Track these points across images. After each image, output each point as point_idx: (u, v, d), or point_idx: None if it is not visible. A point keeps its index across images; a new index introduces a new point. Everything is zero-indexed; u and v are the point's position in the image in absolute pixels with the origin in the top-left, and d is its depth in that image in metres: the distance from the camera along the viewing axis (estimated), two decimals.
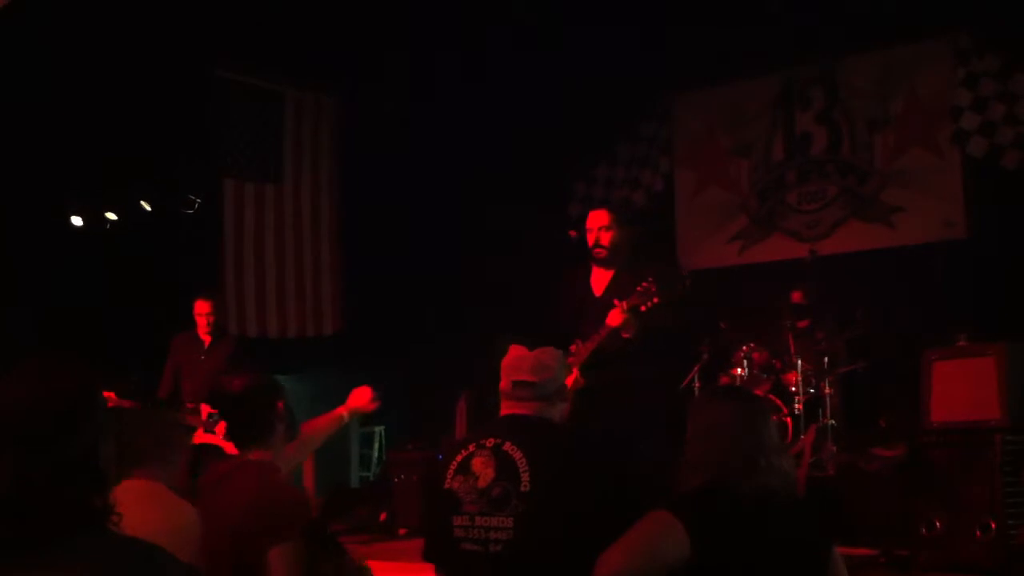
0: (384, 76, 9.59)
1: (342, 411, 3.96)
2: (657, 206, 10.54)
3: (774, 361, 8.39)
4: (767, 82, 10.01)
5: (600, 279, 5.60)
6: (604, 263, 5.58)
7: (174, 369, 7.40)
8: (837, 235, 9.52)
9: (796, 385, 8.05)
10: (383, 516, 8.22)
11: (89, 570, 1.65)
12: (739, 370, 8.42)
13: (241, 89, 9.55)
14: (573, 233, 5.70)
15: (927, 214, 9.06)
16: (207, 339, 7.45)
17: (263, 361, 8.85)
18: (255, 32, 8.63)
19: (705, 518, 2.55)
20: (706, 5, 8.87)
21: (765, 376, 8.35)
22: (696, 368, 8.67)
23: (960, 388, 6.19)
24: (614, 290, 5.43)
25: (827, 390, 8.00)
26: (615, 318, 5.24)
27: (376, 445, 10.93)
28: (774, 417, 7.62)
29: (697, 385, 8.66)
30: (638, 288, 5.24)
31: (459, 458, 3.18)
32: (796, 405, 8.01)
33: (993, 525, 5.57)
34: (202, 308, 7.43)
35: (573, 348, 5.28)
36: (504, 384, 3.31)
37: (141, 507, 3.18)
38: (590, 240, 5.57)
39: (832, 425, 7.89)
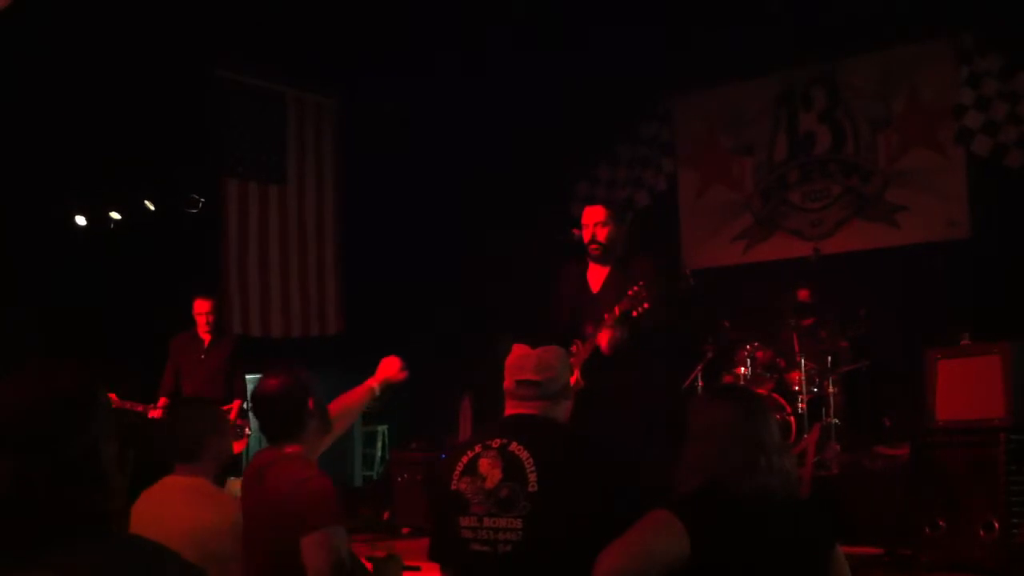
0: (385, 76, 9.59)
1: (372, 383, 4.00)
2: (660, 206, 10.54)
3: (777, 360, 8.40)
4: (769, 82, 10.02)
5: (596, 276, 5.58)
6: (600, 259, 5.56)
7: (174, 369, 7.39)
8: (840, 234, 9.53)
9: (799, 384, 8.05)
10: (386, 515, 8.23)
11: (89, 571, 1.65)
12: (742, 369, 8.43)
13: (243, 90, 9.57)
14: (576, 232, 5.68)
15: (930, 213, 9.07)
16: (207, 338, 7.44)
17: (265, 361, 8.87)
18: (257, 33, 8.64)
19: (705, 518, 2.55)
20: (707, 5, 8.86)
21: (768, 375, 8.35)
22: (699, 367, 8.67)
23: (964, 387, 6.18)
24: (610, 287, 5.41)
25: (830, 389, 8.00)
26: (603, 337, 5.23)
27: (379, 444, 10.95)
28: (777, 416, 7.65)
29: (700, 384, 8.65)
30: (628, 292, 5.22)
31: (465, 459, 3.17)
32: (799, 404, 8.01)
33: (996, 524, 5.57)
34: (201, 307, 7.42)
35: (574, 348, 5.26)
36: (508, 384, 3.30)
37: (190, 504, 3.24)
38: (586, 236, 5.54)
39: (835, 424, 7.88)
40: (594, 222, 5.54)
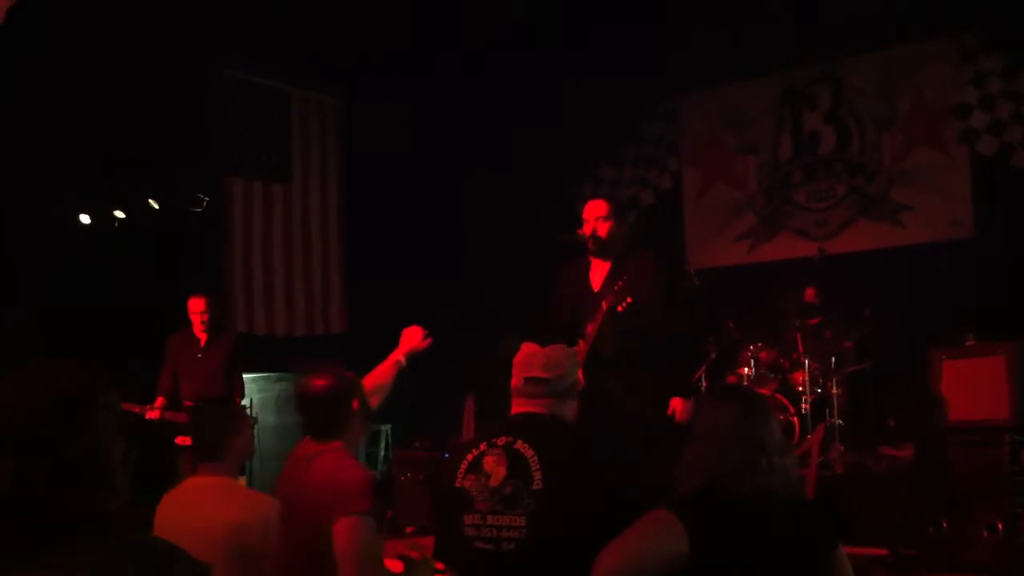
0: (385, 76, 9.59)
1: (398, 356, 4.15)
2: (665, 205, 10.54)
3: (781, 360, 8.39)
4: (773, 81, 10.03)
5: (598, 272, 5.56)
6: (601, 254, 5.53)
7: (172, 370, 7.34)
8: (845, 234, 9.54)
9: (803, 384, 8.04)
10: (389, 514, 8.23)
11: (90, 570, 1.65)
12: (746, 369, 8.42)
13: (248, 89, 9.57)
14: (581, 232, 5.65)
15: (934, 213, 9.07)
16: (203, 337, 7.39)
17: (268, 360, 8.89)
18: (261, 32, 8.64)
19: (705, 518, 2.55)
20: (711, 5, 8.86)
21: (772, 375, 8.34)
22: (703, 367, 8.67)
23: (969, 387, 6.17)
24: (610, 284, 5.39)
25: (834, 390, 8.00)
26: (586, 340, 5.24)
27: (383, 443, 10.93)
28: (780, 416, 7.64)
29: (704, 384, 8.65)
30: (615, 287, 5.22)
31: (470, 457, 3.17)
32: (803, 405, 8.01)
33: (1000, 525, 5.57)
34: (196, 306, 7.35)
35: (579, 348, 5.25)
36: (516, 381, 3.29)
37: (219, 503, 3.29)
38: (587, 230, 5.52)
39: (839, 425, 7.88)
40: (595, 216, 5.51)
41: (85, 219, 8.38)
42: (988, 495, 5.71)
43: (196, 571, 1.81)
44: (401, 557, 3.44)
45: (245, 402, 7.48)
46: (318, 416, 3.45)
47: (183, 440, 7.14)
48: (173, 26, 7.87)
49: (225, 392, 7.24)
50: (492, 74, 9.52)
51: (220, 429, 3.54)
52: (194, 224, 8.87)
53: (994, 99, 8.83)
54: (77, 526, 1.69)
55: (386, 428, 10.87)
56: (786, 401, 8.10)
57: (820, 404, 8.08)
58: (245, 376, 8.25)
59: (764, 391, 7.91)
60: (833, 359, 8.13)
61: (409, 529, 7.96)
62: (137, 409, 6.98)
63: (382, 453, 10.94)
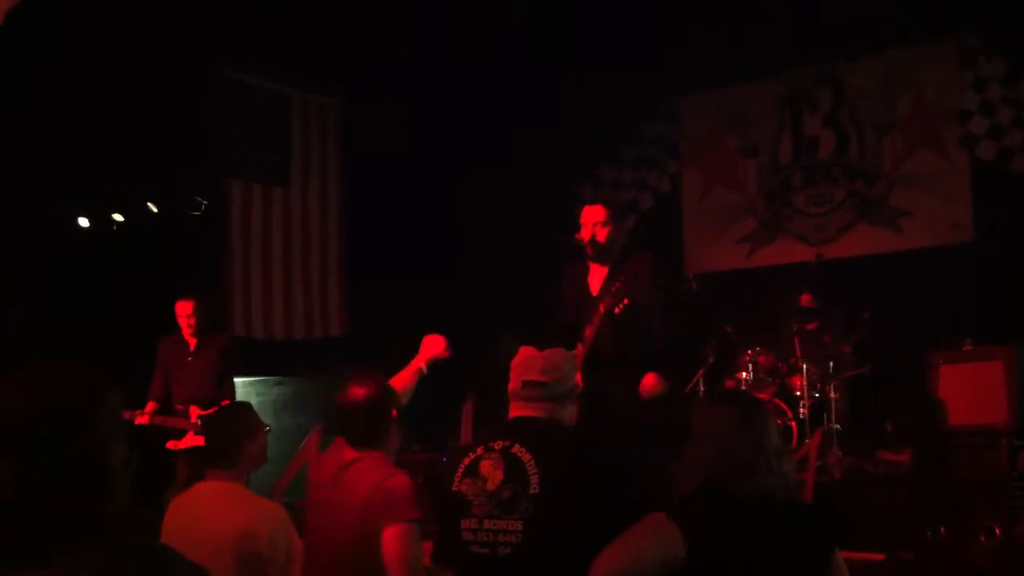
0: (388, 77, 9.59)
1: (419, 363, 4.16)
2: (664, 208, 10.54)
3: (779, 365, 8.39)
4: (773, 84, 10.02)
5: (596, 276, 5.57)
6: (599, 259, 5.55)
7: (163, 373, 7.31)
8: (844, 239, 9.53)
9: (801, 389, 8.04)
10: None
11: (90, 571, 1.65)
12: (744, 374, 8.41)
13: (248, 90, 9.56)
14: (579, 237, 5.66)
15: (934, 217, 9.07)
16: (193, 340, 7.36)
17: (267, 364, 8.88)
18: (261, 34, 8.63)
19: (701, 521, 2.55)
20: (711, 6, 8.86)
21: (770, 380, 8.34)
22: (701, 371, 8.66)
23: (967, 392, 6.19)
24: (608, 286, 5.40)
25: (832, 394, 7.99)
26: (584, 344, 5.25)
27: None
28: (779, 421, 7.64)
29: (702, 388, 8.64)
30: (611, 289, 5.23)
31: (467, 460, 3.17)
32: (801, 409, 8.00)
33: (998, 530, 5.57)
34: (183, 309, 7.30)
35: (577, 351, 5.25)
36: (514, 385, 3.29)
37: (229, 508, 3.30)
38: (586, 235, 5.53)
39: (837, 429, 7.87)
40: (593, 222, 5.53)
41: (84, 222, 8.37)
42: (986, 499, 5.72)
43: (195, 574, 1.81)
44: None
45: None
46: (358, 424, 3.49)
47: (174, 445, 7.13)
48: (172, 27, 7.87)
49: (216, 394, 7.22)
50: (492, 74, 9.52)
51: (235, 435, 3.55)
52: (193, 226, 8.86)
53: (994, 105, 8.84)
54: (77, 527, 1.69)
55: None
56: (784, 406, 8.09)
57: (818, 408, 8.07)
58: (244, 379, 8.24)
59: (762, 395, 7.90)
60: (832, 363, 8.12)
61: None
62: (127, 415, 6.95)
63: None
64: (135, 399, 7.09)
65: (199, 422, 7.10)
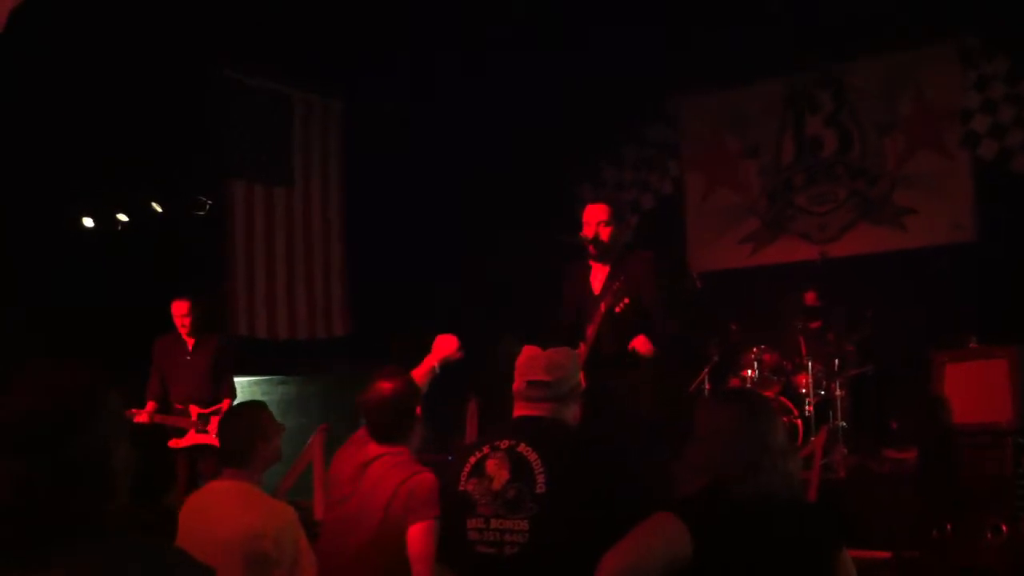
0: (388, 78, 9.58)
1: (432, 363, 4.19)
2: (666, 209, 10.54)
3: (784, 363, 8.38)
4: (775, 85, 10.02)
5: (598, 275, 5.57)
6: (602, 258, 5.55)
7: (160, 374, 7.32)
8: (847, 237, 9.53)
9: (806, 387, 8.03)
10: None
11: (91, 571, 1.65)
12: (749, 372, 8.41)
13: (249, 91, 9.55)
14: (582, 235, 5.65)
15: (935, 217, 9.07)
16: (190, 340, 7.37)
17: (270, 363, 8.89)
18: (262, 34, 8.63)
19: (708, 519, 2.54)
20: (712, 7, 8.85)
21: (775, 378, 8.34)
22: (706, 370, 8.66)
23: (971, 390, 6.18)
24: (609, 285, 5.40)
25: (837, 392, 7.99)
26: (586, 342, 5.25)
27: None
28: (783, 419, 7.62)
29: (707, 387, 8.64)
30: (612, 288, 5.23)
31: (473, 460, 3.16)
32: (806, 407, 8.00)
33: (1004, 528, 5.55)
34: (179, 309, 7.32)
35: (579, 350, 5.24)
36: (518, 384, 3.28)
37: (240, 508, 3.32)
38: (589, 234, 5.52)
39: (842, 427, 7.86)
40: (596, 220, 5.53)
41: (88, 222, 8.37)
42: (992, 497, 5.71)
43: (199, 574, 1.80)
44: None
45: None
46: (384, 420, 3.57)
47: (176, 443, 7.14)
48: (174, 28, 7.87)
49: (212, 393, 7.23)
50: (492, 74, 9.51)
51: (250, 435, 3.54)
52: (195, 226, 8.87)
53: (996, 104, 8.84)
54: (78, 527, 1.68)
55: None
56: (789, 404, 8.09)
57: (823, 407, 8.07)
58: (248, 379, 8.25)
59: (768, 393, 7.90)
60: (836, 362, 8.12)
61: None
62: (127, 412, 6.96)
63: None
64: (135, 399, 7.09)
65: (199, 420, 7.12)
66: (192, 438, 7.12)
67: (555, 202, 9.69)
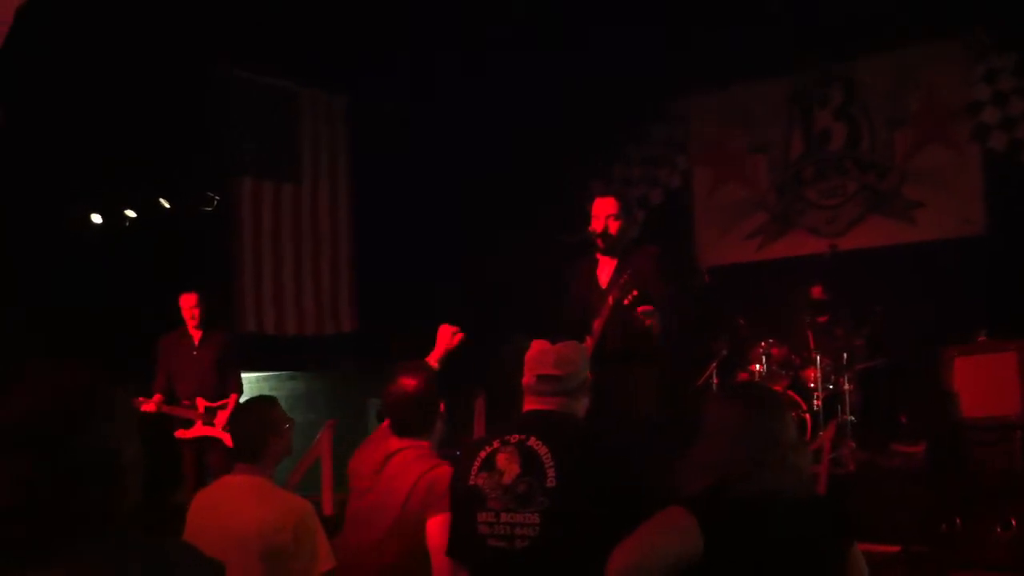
0: (390, 78, 9.58)
1: (431, 361, 4.22)
2: (675, 203, 10.53)
3: (793, 357, 8.37)
4: (783, 80, 10.03)
5: (605, 269, 5.57)
6: (610, 252, 5.55)
7: (166, 370, 7.33)
8: (856, 231, 9.51)
9: (815, 381, 8.02)
10: None
11: (96, 571, 1.64)
12: (758, 366, 8.40)
13: (257, 88, 9.57)
14: (592, 230, 5.65)
15: (945, 210, 9.05)
16: (196, 334, 7.38)
17: (279, 359, 8.90)
18: (270, 31, 8.63)
19: (719, 515, 2.53)
20: (718, 6, 8.83)
21: (784, 372, 8.32)
22: (714, 364, 8.65)
23: (981, 384, 6.17)
24: (616, 279, 5.40)
25: (846, 386, 7.97)
26: (593, 336, 5.25)
27: None
28: (792, 414, 7.61)
29: (715, 381, 8.63)
30: (619, 281, 5.23)
31: (483, 454, 3.16)
32: (815, 401, 7.99)
33: (1014, 522, 5.54)
34: (188, 301, 7.34)
35: (586, 344, 5.23)
36: (527, 379, 3.28)
37: (254, 503, 3.34)
38: (597, 227, 5.52)
39: (851, 421, 7.85)
40: (606, 214, 5.53)
41: (97, 219, 8.38)
42: (1001, 491, 5.70)
43: (208, 570, 1.80)
44: None
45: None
46: (406, 415, 3.62)
47: (182, 434, 7.17)
48: (181, 25, 7.88)
49: (218, 389, 7.26)
50: (496, 74, 9.51)
51: (262, 430, 3.56)
52: (200, 224, 8.87)
53: (1006, 96, 8.82)
54: (84, 526, 1.68)
55: None
56: (798, 398, 8.08)
57: (832, 401, 8.05)
58: (256, 375, 8.26)
59: (776, 388, 7.88)
60: (845, 356, 8.10)
61: None
62: (134, 402, 6.97)
63: None
64: (139, 396, 7.11)
65: (206, 413, 7.14)
66: (199, 430, 7.14)
67: (565, 201, 9.70)
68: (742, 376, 8.46)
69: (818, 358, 8.05)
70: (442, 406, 3.69)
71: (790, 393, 8.09)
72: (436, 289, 9.84)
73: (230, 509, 3.42)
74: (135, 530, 1.75)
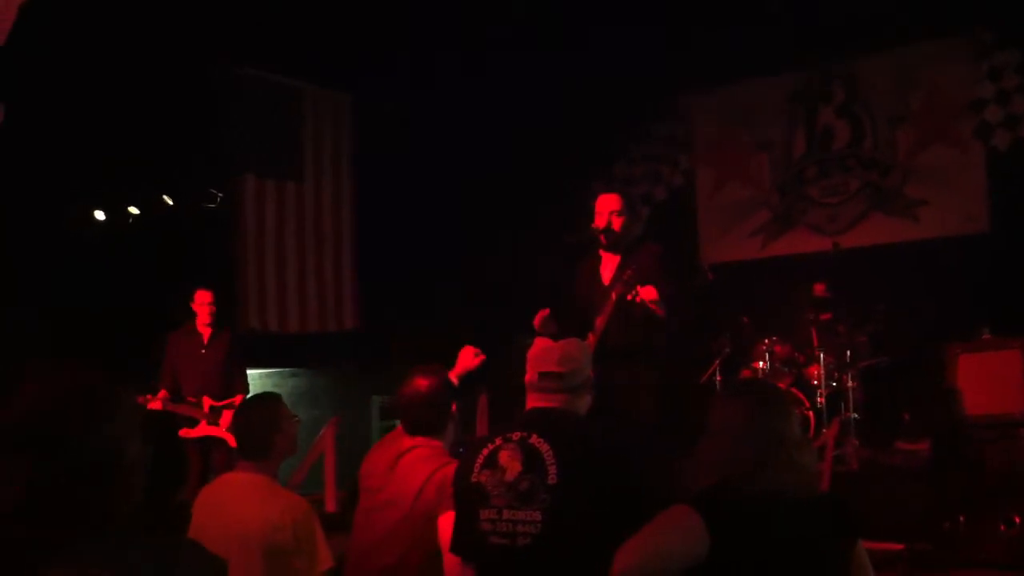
0: (391, 78, 9.58)
1: (451, 378, 4.21)
2: (677, 202, 10.53)
3: (796, 355, 8.37)
4: (786, 78, 10.02)
5: (608, 265, 5.58)
6: (613, 248, 5.56)
7: (172, 367, 7.35)
8: (858, 229, 9.50)
9: (818, 379, 8.02)
10: None
11: (102, 569, 1.64)
12: (761, 363, 8.40)
13: (260, 86, 9.56)
14: (597, 229, 5.65)
15: (948, 208, 9.05)
16: (206, 332, 7.39)
17: (281, 356, 8.90)
18: (273, 29, 8.63)
19: (725, 514, 2.52)
20: (720, 4, 8.82)
21: (787, 370, 8.32)
22: (717, 362, 8.65)
23: (984, 381, 6.16)
24: (619, 275, 5.40)
25: (849, 384, 7.96)
26: (595, 333, 5.25)
27: None
28: (796, 411, 7.61)
29: (718, 379, 8.63)
30: (623, 277, 5.23)
31: (485, 452, 3.16)
32: (818, 399, 7.99)
33: (1017, 519, 5.53)
34: (204, 298, 7.37)
35: (588, 341, 5.23)
36: (530, 376, 3.27)
37: (258, 500, 3.37)
38: (601, 223, 5.53)
39: (855, 419, 7.84)
40: (609, 210, 5.55)
41: (100, 215, 8.39)
42: (1005, 489, 5.69)
43: (210, 568, 1.80)
44: None
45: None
46: (419, 415, 3.68)
47: (187, 433, 7.17)
48: (183, 23, 7.87)
49: (224, 387, 7.27)
50: (492, 74, 9.50)
51: (267, 428, 3.56)
52: (203, 222, 8.88)
53: (1009, 94, 8.81)
54: (86, 526, 1.68)
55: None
56: (801, 395, 8.08)
57: (835, 398, 8.05)
58: (259, 371, 8.27)
59: (780, 385, 7.88)
60: (848, 353, 8.09)
61: None
62: (139, 399, 6.98)
63: None
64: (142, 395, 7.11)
65: (211, 412, 7.14)
66: (203, 429, 7.15)
67: (568, 200, 9.69)
68: (745, 374, 8.46)
69: (821, 356, 8.04)
70: (454, 407, 3.74)
71: (793, 391, 8.09)
72: (436, 288, 9.85)
73: (232, 507, 3.43)
74: (138, 529, 1.76)
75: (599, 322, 5.32)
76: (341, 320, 10.24)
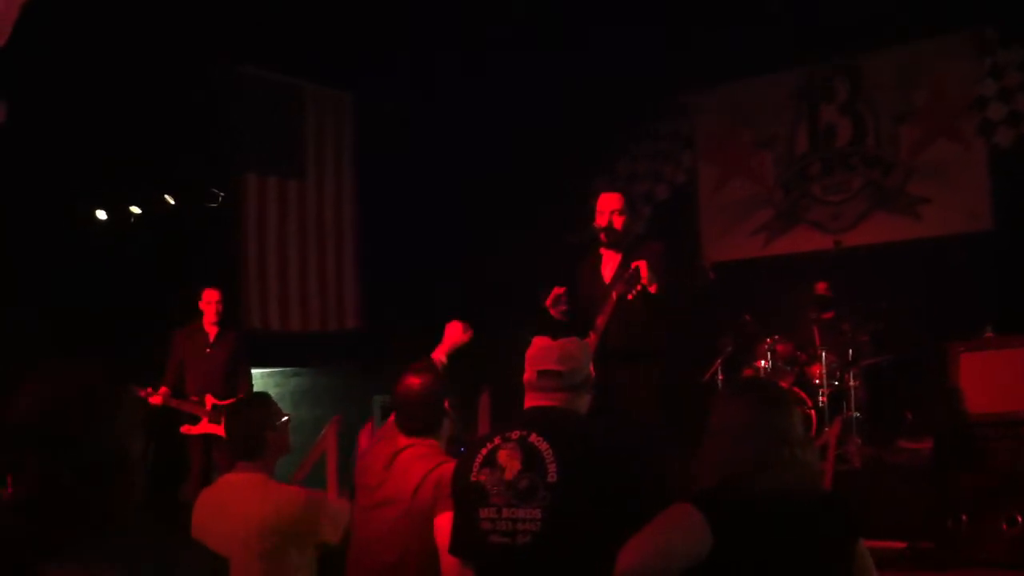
0: (391, 78, 9.57)
1: (440, 355, 4.29)
2: (680, 200, 10.53)
3: (798, 353, 8.36)
4: (789, 76, 10.02)
5: (609, 264, 5.58)
6: (614, 246, 5.57)
7: (177, 364, 7.36)
8: (862, 226, 9.50)
9: (820, 377, 8.01)
10: None
11: (107, 567, 1.65)
12: (763, 362, 8.39)
13: (262, 85, 9.56)
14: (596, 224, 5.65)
15: (952, 206, 9.04)
16: (213, 330, 7.42)
17: (283, 355, 8.90)
18: (275, 28, 8.63)
19: (728, 513, 2.52)
20: (720, 3, 8.82)
21: (789, 368, 8.32)
22: (719, 361, 8.64)
23: (987, 380, 6.14)
24: (621, 274, 5.40)
25: (852, 382, 7.96)
26: (595, 333, 5.24)
27: None
28: (798, 409, 7.60)
29: (720, 378, 8.62)
30: (625, 275, 5.23)
31: (485, 451, 3.15)
32: (820, 397, 7.98)
33: (1020, 518, 5.53)
34: (212, 296, 7.42)
35: (589, 340, 5.22)
36: (529, 375, 3.26)
37: (255, 500, 3.37)
38: (602, 222, 5.54)
39: (857, 418, 7.84)
40: (610, 209, 5.56)
41: (102, 215, 8.38)
42: (1008, 488, 5.68)
43: (210, 567, 1.80)
44: None
45: None
46: (413, 414, 3.66)
47: (188, 429, 7.18)
48: (185, 22, 7.87)
49: (227, 386, 7.28)
50: (492, 74, 9.51)
51: (259, 427, 3.58)
52: (205, 221, 8.87)
53: (1012, 92, 8.81)
54: (88, 523, 1.68)
55: None
56: (803, 394, 8.07)
57: (838, 397, 8.05)
58: (261, 371, 8.28)
59: (782, 384, 7.87)
60: (850, 352, 8.09)
61: None
62: (141, 393, 6.99)
63: None
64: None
65: (213, 410, 7.15)
66: (205, 427, 7.16)
67: (570, 199, 9.68)
68: (747, 372, 8.46)
69: (823, 354, 8.04)
70: (447, 404, 3.71)
71: (795, 389, 8.09)
72: (436, 288, 9.84)
73: (232, 507, 3.45)
74: (140, 526, 1.76)
75: (600, 321, 5.31)
76: (343, 319, 10.25)
